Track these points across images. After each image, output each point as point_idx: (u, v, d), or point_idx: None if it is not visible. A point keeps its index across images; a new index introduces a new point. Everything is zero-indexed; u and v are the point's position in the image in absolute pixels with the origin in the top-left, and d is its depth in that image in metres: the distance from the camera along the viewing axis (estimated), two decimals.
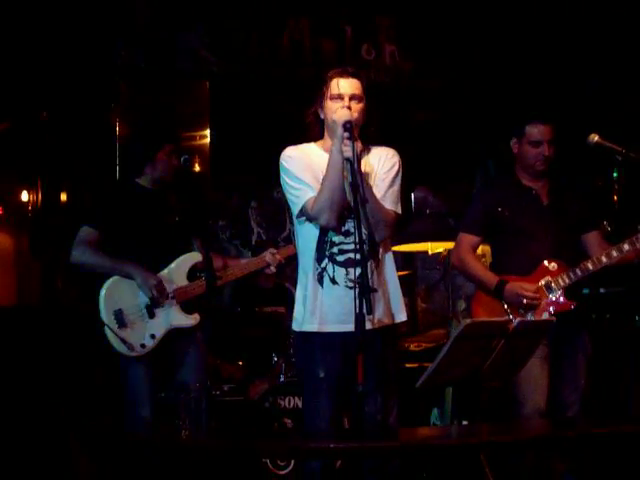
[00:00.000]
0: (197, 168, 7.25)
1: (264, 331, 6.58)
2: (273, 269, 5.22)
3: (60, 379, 6.42)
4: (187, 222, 5.13)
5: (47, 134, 7.07)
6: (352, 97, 4.13)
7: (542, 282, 4.82)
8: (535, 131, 4.93)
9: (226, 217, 7.83)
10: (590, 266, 4.77)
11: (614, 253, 4.76)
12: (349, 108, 4.07)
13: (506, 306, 4.82)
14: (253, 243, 7.90)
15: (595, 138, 4.74)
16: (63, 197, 7.23)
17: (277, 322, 6.52)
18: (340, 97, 4.12)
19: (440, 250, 6.54)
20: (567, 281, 4.80)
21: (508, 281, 4.82)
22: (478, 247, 5.14)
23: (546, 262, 4.84)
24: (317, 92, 4.22)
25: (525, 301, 4.76)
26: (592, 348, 4.95)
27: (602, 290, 5.93)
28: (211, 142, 7.48)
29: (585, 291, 5.05)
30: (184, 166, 4.98)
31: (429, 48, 7.81)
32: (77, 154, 7.11)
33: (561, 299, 4.80)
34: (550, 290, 4.81)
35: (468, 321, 3.74)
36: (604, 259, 4.76)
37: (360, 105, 4.15)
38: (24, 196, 7.23)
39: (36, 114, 7.04)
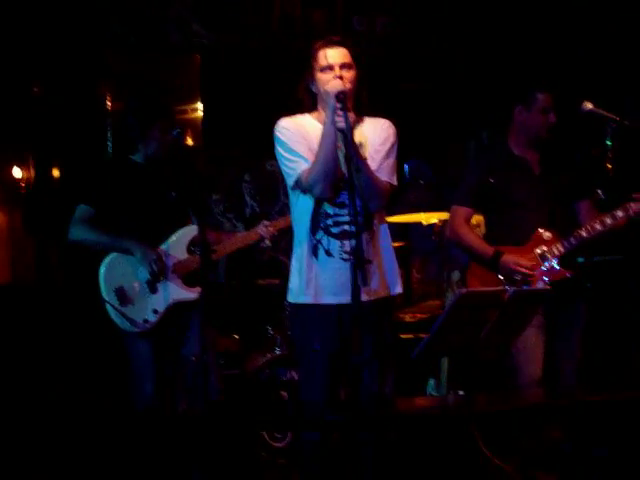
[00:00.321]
0: (189, 142, 7.23)
1: (259, 304, 6.58)
2: (268, 242, 5.21)
3: (56, 356, 6.43)
4: (184, 196, 5.11)
5: (39, 109, 7.05)
6: (342, 66, 4.10)
7: (537, 252, 4.81)
8: (546, 98, 4.91)
9: (220, 191, 7.81)
10: (584, 234, 4.76)
11: (608, 220, 4.74)
12: (341, 78, 4.05)
13: (501, 277, 4.82)
14: (247, 216, 7.88)
15: (588, 106, 4.74)
16: (56, 173, 7.22)
17: (272, 295, 6.52)
18: (330, 68, 4.09)
19: (434, 221, 6.53)
20: (562, 250, 4.79)
21: (503, 253, 4.80)
22: (471, 218, 5.12)
23: (540, 231, 4.83)
24: (306, 66, 4.20)
25: (519, 276, 4.75)
26: (588, 317, 4.95)
27: (597, 258, 5.91)
28: (203, 115, 7.47)
29: (580, 260, 5.04)
30: (176, 139, 4.95)
31: (421, 19, 7.77)
32: (69, 129, 7.09)
33: (556, 268, 4.79)
34: (545, 259, 4.80)
35: (463, 291, 3.74)
36: (598, 227, 4.75)
37: (351, 73, 4.11)
38: (17, 172, 7.21)
39: (28, 89, 7.02)
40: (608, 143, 4.78)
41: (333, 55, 4.11)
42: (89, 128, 7.14)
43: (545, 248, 4.81)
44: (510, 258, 4.78)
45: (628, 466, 4.98)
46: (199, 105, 7.43)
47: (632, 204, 4.71)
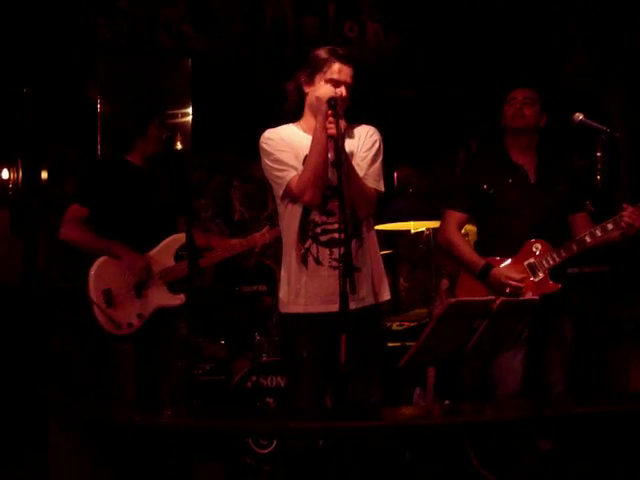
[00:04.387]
0: (179, 146, 7.21)
1: (246, 310, 6.57)
2: (257, 249, 5.22)
3: (41, 358, 6.41)
4: (174, 201, 5.12)
5: (28, 111, 7.02)
6: (347, 86, 4.12)
7: (526, 264, 4.78)
8: (512, 92, 4.92)
9: (208, 196, 7.80)
10: (574, 247, 4.70)
11: (598, 233, 4.67)
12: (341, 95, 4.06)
13: (489, 290, 4.73)
14: (235, 222, 7.87)
15: (579, 117, 4.71)
16: (44, 175, 7.19)
17: (259, 301, 6.51)
18: (338, 84, 4.10)
19: (423, 229, 6.52)
20: (552, 263, 4.73)
21: (493, 266, 4.74)
22: (464, 224, 5.02)
23: (530, 242, 4.79)
24: (308, 67, 4.16)
25: (508, 289, 4.68)
26: (574, 330, 4.90)
27: (589, 269, 5.91)
28: (193, 120, 7.45)
29: (571, 270, 5.00)
30: (166, 144, 5.00)
31: (412, 26, 7.77)
32: (58, 131, 7.07)
33: (546, 281, 4.76)
34: (534, 272, 4.76)
35: (452, 301, 3.72)
36: (588, 239, 4.68)
37: (348, 90, 4.13)
38: (4, 174, 7.19)
39: (17, 91, 6.99)
40: (598, 154, 4.76)
41: (345, 73, 4.12)
42: (79, 130, 7.12)
43: (535, 260, 4.77)
44: (501, 271, 4.72)
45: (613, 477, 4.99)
46: (189, 110, 7.41)
47: (624, 215, 4.66)
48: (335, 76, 4.10)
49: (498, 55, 7.62)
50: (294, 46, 7.50)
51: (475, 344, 3.81)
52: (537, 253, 4.76)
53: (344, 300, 3.68)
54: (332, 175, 4.01)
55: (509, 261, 4.80)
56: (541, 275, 4.74)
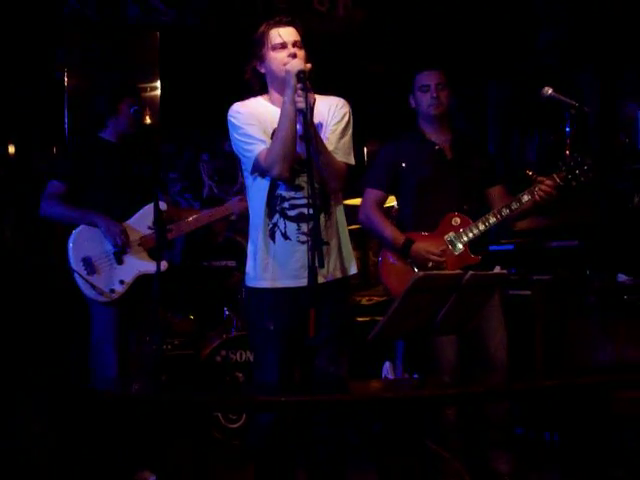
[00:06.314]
0: (148, 120, 7.16)
1: (215, 285, 6.57)
2: (234, 217, 5.29)
3: (9, 331, 6.37)
4: (148, 173, 5.17)
5: None
6: (294, 44, 4.11)
7: (446, 237, 4.83)
8: (422, 77, 4.98)
9: (177, 170, 7.77)
10: (492, 219, 4.80)
11: (514, 205, 4.77)
12: (294, 55, 4.04)
13: (414, 266, 4.83)
14: (204, 197, 7.85)
15: (549, 91, 4.74)
16: (11, 149, 7.13)
17: (228, 276, 6.51)
18: (283, 46, 4.09)
19: (393, 204, 6.51)
20: (470, 236, 4.81)
21: (414, 241, 4.83)
22: (384, 202, 5.15)
23: (449, 217, 4.84)
24: (254, 49, 4.17)
25: (430, 264, 4.77)
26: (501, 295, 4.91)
27: (555, 244, 5.96)
28: (162, 94, 7.39)
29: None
30: (134, 117, 5.05)
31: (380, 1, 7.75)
32: (25, 105, 7.00)
33: (466, 254, 4.81)
34: (454, 246, 4.82)
35: (420, 274, 3.73)
36: (505, 211, 4.78)
37: (302, 52, 4.11)
38: None
39: None
40: (567, 129, 4.78)
41: (285, 33, 4.11)
42: (46, 104, 7.06)
43: (454, 234, 4.83)
44: (421, 246, 4.80)
45: (577, 449, 5.04)
46: (157, 84, 7.35)
47: (537, 188, 4.71)
48: (277, 40, 4.10)
49: (467, 32, 7.60)
50: (263, 20, 7.43)
51: (444, 317, 3.82)
52: (456, 227, 4.82)
53: (312, 274, 3.68)
54: (301, 149, 4.00)
55: (429, 235, 4.86)
56: (461, 248, 4.80)
